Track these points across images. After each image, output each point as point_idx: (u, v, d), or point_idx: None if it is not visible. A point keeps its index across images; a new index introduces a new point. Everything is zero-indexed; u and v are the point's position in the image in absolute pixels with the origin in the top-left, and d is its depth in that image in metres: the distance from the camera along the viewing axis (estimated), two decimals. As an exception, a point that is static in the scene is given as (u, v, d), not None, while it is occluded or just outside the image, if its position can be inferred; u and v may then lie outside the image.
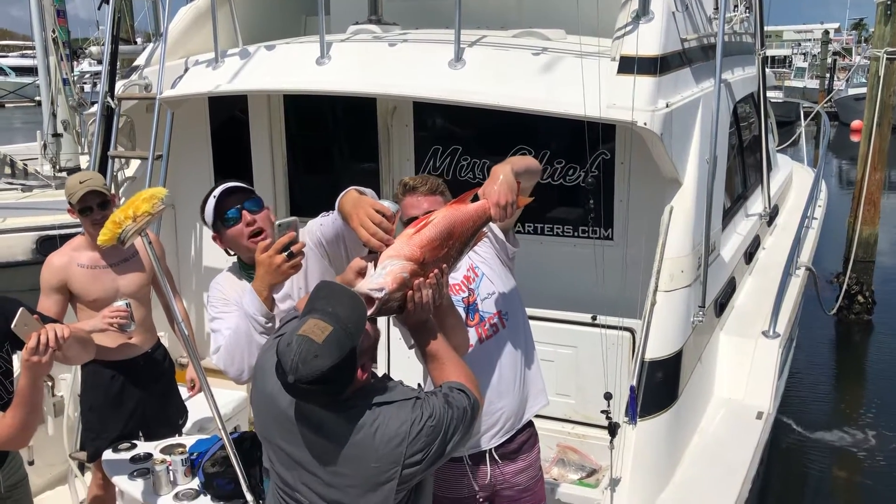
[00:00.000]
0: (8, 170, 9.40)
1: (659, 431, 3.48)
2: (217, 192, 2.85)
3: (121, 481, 3.46)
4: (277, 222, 2.61)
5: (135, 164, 5.30)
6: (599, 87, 3.44)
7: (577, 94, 3.44)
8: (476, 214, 2.46)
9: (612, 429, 3.12)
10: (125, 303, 3.52)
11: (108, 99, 4.74)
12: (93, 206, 3.61)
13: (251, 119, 5.23)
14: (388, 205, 2.50)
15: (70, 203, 3.65)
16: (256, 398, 2.30)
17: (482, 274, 2.90)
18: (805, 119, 10.98)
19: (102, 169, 4.78)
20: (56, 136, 7.97)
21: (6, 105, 26.69)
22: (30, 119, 8.93)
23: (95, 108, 4.96)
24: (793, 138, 11.07)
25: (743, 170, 5.77)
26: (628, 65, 3.64)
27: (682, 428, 3.75)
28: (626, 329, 4.06)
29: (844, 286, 10.02)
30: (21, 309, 2.74)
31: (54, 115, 8.07)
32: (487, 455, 2.88)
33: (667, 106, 3.74)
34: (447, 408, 2.17)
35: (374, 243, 2.39)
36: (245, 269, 2.90)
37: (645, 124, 3.57)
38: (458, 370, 2.31)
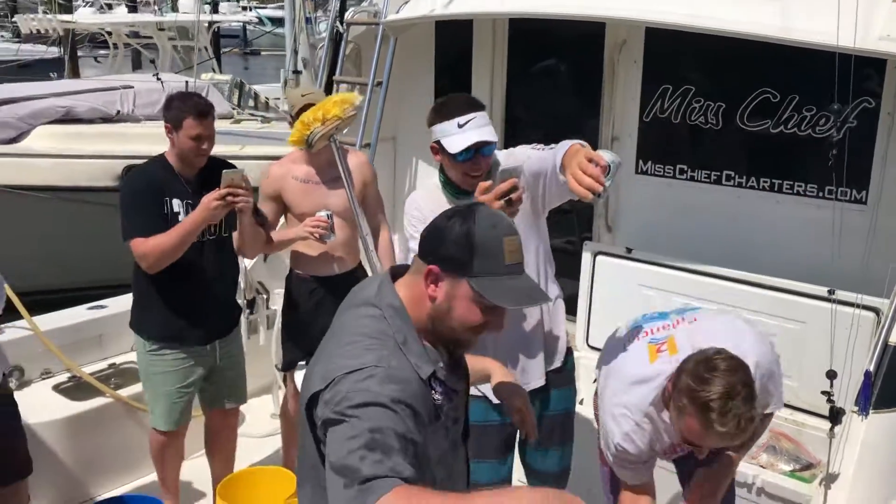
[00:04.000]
0: (252, 102, 10.11)
1: (897, 429, 2.92)
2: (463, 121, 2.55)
3: (304, 394, 3.53)
4: (502, 167, 2.45)
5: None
6: (858, 13, 2.87)
7: (837, 23, 2.90)
8: None
9: (835, 415, 2.64)
10: (327, 214, 3.56)
11: (338, 24, 4.80)
12: None
13: (475, 52, 5.08)
14: (605, 154, 2.17)
15: (290, 115, 3.72)
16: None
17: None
18: None
19: (327, 93, 4.86)
20: (297, 72, 8.32)
21: (262, 53, 29.09)
22: (282, 65, 9.45)
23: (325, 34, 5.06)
24: None
25: None
26: (910, -12, 3.03)
27: (931, 432, 3.12)
28: (869, 308, 3.46)
29: None
30: (241, 171, 3.14)
31: (296, 53, 8.42)
32: None
33: (959, 42, 3.06)
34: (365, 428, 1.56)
35: (582, 192, 2.10)
36: (451, 189, 2.72)
37: None
38: None
